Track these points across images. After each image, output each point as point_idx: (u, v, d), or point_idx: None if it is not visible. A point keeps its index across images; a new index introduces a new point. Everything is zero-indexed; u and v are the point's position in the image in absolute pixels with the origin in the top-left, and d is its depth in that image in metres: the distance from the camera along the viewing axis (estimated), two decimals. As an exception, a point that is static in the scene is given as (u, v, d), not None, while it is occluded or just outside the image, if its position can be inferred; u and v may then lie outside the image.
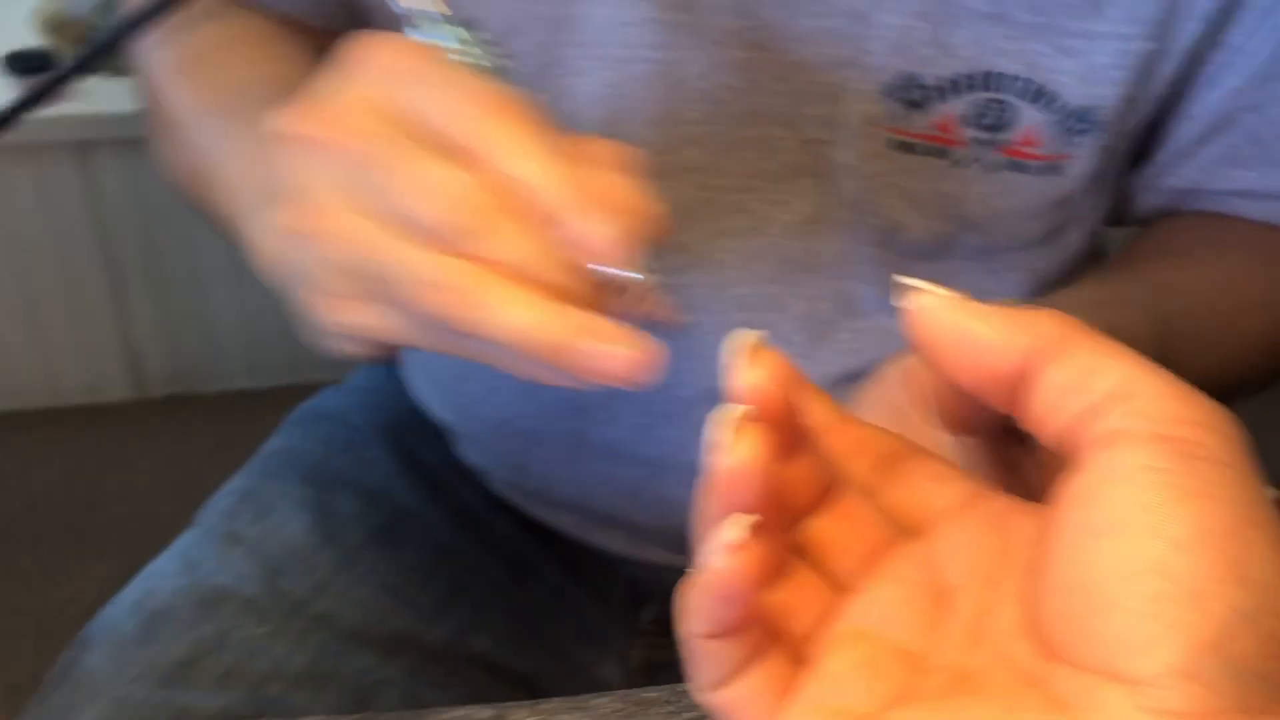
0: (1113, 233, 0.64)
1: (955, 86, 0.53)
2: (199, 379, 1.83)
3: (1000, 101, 0.53)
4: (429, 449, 0.72)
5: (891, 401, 0.48)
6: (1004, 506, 0.29)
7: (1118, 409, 0.25)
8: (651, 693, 0.47)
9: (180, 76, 0.58)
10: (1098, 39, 0.51)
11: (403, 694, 0.61)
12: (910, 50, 0.52)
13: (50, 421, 1.77)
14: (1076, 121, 0.53)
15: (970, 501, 0.30)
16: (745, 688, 0.28)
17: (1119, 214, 0.63)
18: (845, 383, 0.60)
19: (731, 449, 0.27)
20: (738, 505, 0.27)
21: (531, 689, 0.66)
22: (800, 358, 0.59)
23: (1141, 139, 0.59)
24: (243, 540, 0.65)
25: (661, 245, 0.37)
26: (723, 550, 0.26)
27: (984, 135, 0.54)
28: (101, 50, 0.47)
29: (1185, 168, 0.58)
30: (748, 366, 0.28)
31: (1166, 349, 0.49)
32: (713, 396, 0.28)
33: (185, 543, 0.66)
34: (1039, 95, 0.53)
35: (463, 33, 0.39)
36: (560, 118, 0.55)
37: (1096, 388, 0.25)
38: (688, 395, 0.54)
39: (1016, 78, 0.52)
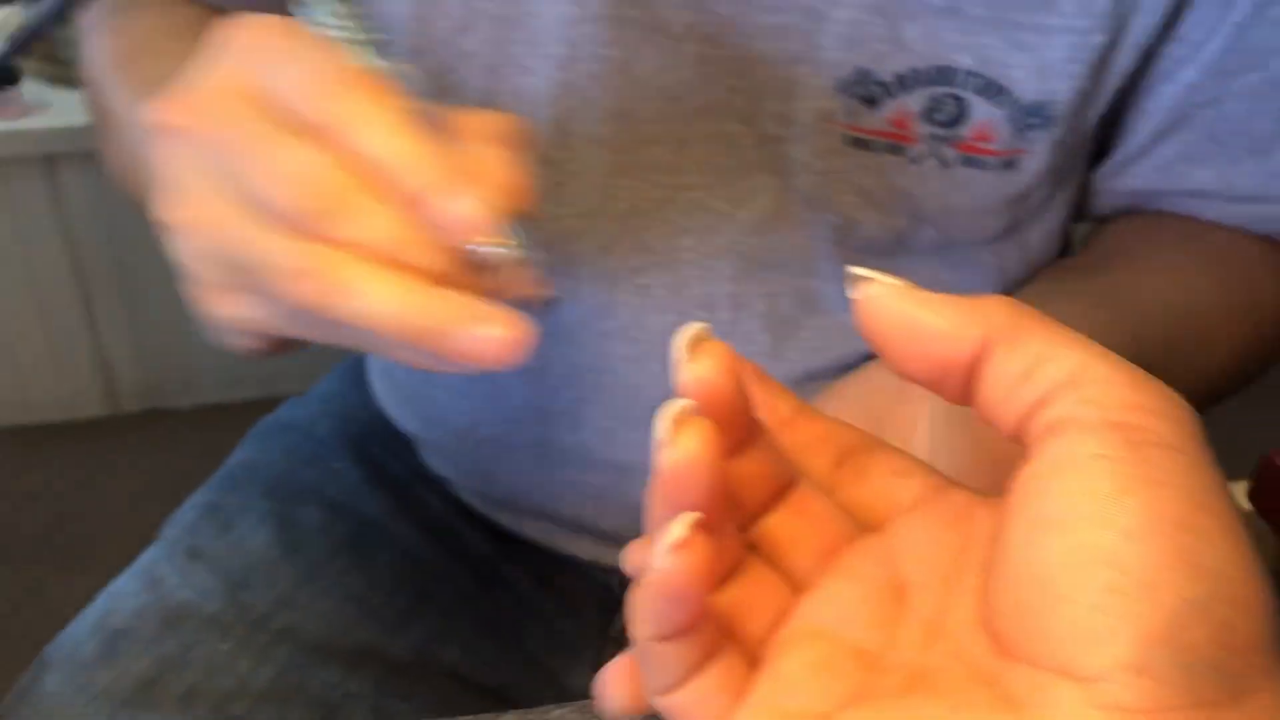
0: (1080, 229, 0.64)
1: (909, 81, 0.52)
2: (173, 393, 1.82)
3: (954, 97, 0.52)
4: (395, 458, 0.71)
5: (866, 399, 0.48)
6: (965, 500, 0.29)
7: (1068, 396, 0.24)
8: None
9: (115, 72, 0.56)
10: (1050, 33, 0.51)
11: (370, 708, 0.61)
12: (863, 45, 0.51)
13: (24, 439, 1.76)
14: (1030, 116, 0.53)
15: (930, 496, 0.29)
16: (698, 690, 0.27)
17: (1080, 212, 0.63)
18: (811, 380, 0.59)
19: (675, 445, 0.26)
20: (684, 503, 0.26)
21: (501, 699, 0.65)
22: (765, 356, 0.58)
23: (1100, 136, 0.58)
24: (205, 555, 0.64)
25: (530, 219, 0.36)
26: (667, 550, 0.25)
27: (939, 131, 0.53)
28: (32, 35, 0.46)
29: (1142, 166, 0.58)
30: (691, 360, 0.27)
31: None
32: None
33: (147, 559, 0.65)
34: (992, 90, 0.52)
35: (337, 6, 0.38)
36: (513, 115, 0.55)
37: (1048, 375, 0.25)
38: (652, 398, 0.52)
39: (970, 72, 0.52)
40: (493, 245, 0.35)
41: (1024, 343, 0.25)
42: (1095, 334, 0.26)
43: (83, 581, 0.65)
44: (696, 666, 0.27)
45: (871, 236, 0.57)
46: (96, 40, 0.58)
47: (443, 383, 0.66)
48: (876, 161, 0.54)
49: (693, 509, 0.26)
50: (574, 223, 0.57)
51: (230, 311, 0.38)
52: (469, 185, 0.34)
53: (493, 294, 0.35)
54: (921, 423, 0.44)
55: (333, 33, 0.38)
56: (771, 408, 0.31)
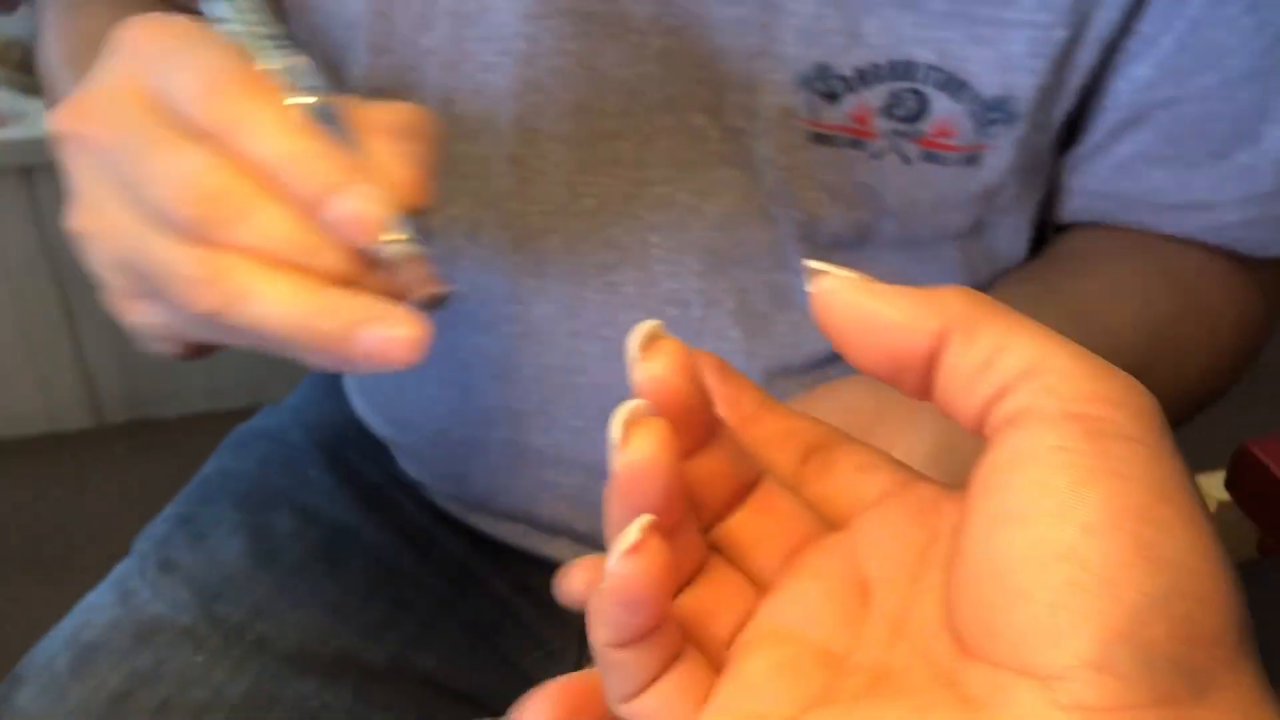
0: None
1: (868, 76, 0.51)
2: (158, 404, 1.81)
3: (914, 92, 0.52)
4: (369, 464, 0.71)
5: (840, 417, 0.47)
6: (932, 493, 0.28)
7: (1027, 387, 0.24)
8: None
9: (64, 70, 0.55)
10: (1011, 27, 0.50)
11: (347, 716, 0.60)
12: (821, 38, 0.51)
13: (8, 452, 1.74)
14: (991, 112, 0.52)
15: (896, 490, 0.29)
16: (659, 696, 0.26)
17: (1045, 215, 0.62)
18: (786, 374, 0.59)
19: (628, 447, 0.25)
20: (641, 506, 0.25)
21: (479, 705, 0.65)
22: (737, 352, 0.58)
23: (1066, 134, 0.57)
24: (178, 567, 0.63)
25: (427, 215, 0.36)
26: (622, 555, 0.25)
27: (899, 127, 0.53)
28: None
29: (1099, 164, 0.56)
30: (643, 358, 0.27)
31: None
32: None
33: (120, 572, 0.65)
34: (953, 85, 0.51)
35: (236, 1, 0.37)
36: (475, 114, 0.55)
37: (1006, 366, 0.24)
38: (625, 397, 0.52)
39: (930, 67, 0.51)
40: (388, 243, 0.34)
41: (981, 333, 0.25)
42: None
43: (71, 593, 0.64)
44: (658, 672, 0.26)
45: (837, 231, 0.56)
46: (50, 38, 0.57)
47: (413, 385, 0.65)
48: (839, 156, 0.54)
49: (649, 512, 0.25)
50: (540, 220, 0.57)
51: (142, 318, 0.38)
52: (362, 183, 0.34)
53: (391, 293, 0.35)
54: (899, 446, 0.44)
55: (231, 28, 0.37)
56: (735, 402, 0.30)
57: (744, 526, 0.29)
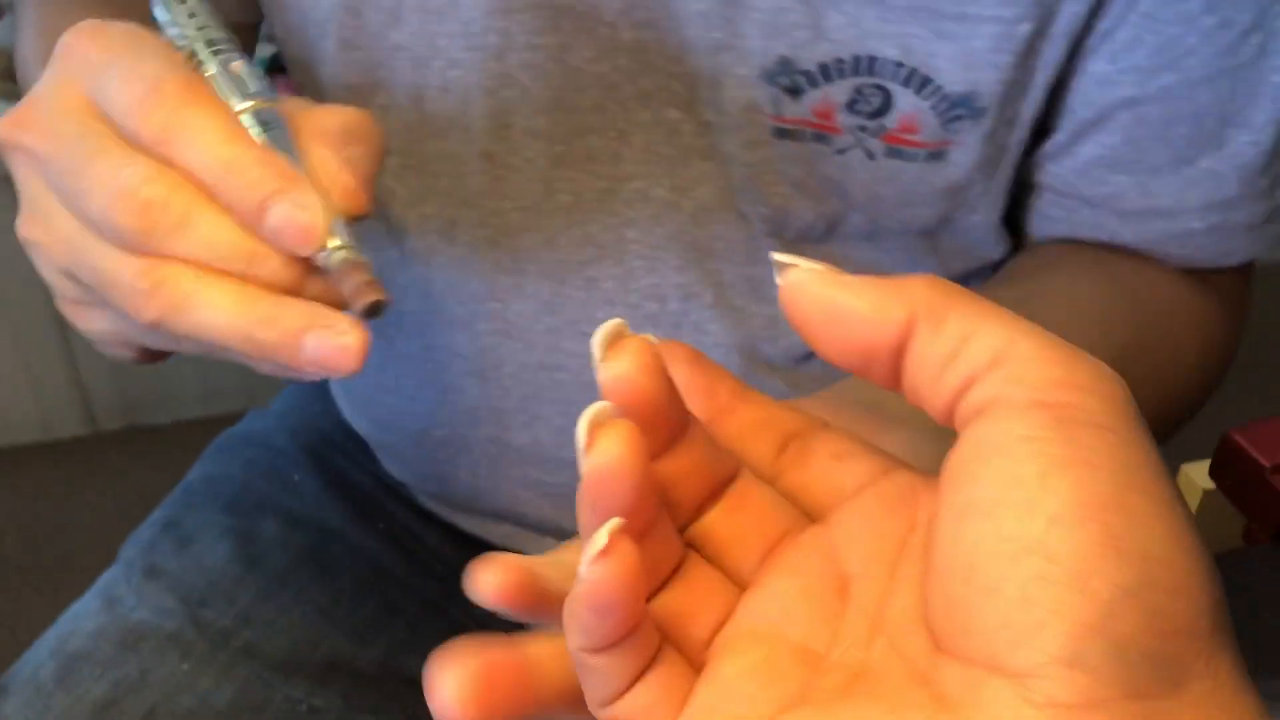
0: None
1: (831, 71, 0.51)
2: (151, 410, 1.80)
3: (878, 87, 0.51)
4: (355, 467, 0.71)
5: (853, 396, 0.46)
6: (909, 482, 0.27)
7: (995, 376, 0.23)
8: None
9: (38, 70, 0.55)
10: (975, 22, 0.49)
11: (337, 721, 0.60)
12: (784, 32, 0.50)
13: (2, 460, 1.74)
14: (955, 107, 0.51)
15: (873, 480, 0.28)
16: (638, 701, 0.26)
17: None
18: (766, 367, 0.59)
19: (595, 450, 0.25)
20: (611, 509, 0.25)
21: (471, 707, 0.64)
22: (717, 346, 0.58)
23: (1038, 132, 0.56)
24: (163, 574, 0.63)
25: (366, 222, 0.37)
26: (591, 561, 0.24)
27: (863, 123, 0.52)
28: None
29: (1065, 166, 0.55)
30: (607, 358, 0.26)
31: None
32: None
33: (106, 580, 0.65)
34: (917, 81, 0.51)
35: (179, 6, 0.38)
36: (445, 111, 0.54)
37: (973, 355, 0.24)
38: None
39: (893, 62, 0.50)
40: (326, 250, 0.34)
41: (948, 321, 0.24)
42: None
43: (66, 601, 0.64)
44: (636, 675, 0.26)
45: (805, 225, 0.56)
46: (26, 37, 0.57)
47: (394, 385, 0.65)
48: (803, 152, 0.53)
49: (620, 515, 0.24)
50: (517, 217, 0.56)
51: (92, 325, 0.38)
52: (300, 191, 0.34)
53: (332, 300, 0.35)
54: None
55: (173, 33, 0.37)
56: (709, 393, 0.30)
57: (721, 524, 0.28)
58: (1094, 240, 0.56)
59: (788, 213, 0.55)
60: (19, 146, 0.37)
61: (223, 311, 0.34)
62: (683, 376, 0.29)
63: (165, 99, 0.35)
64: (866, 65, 0.50)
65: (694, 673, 0.27)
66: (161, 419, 1.80)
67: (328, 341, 0.34)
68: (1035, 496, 0.22)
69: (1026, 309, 0.24)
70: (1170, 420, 0.57)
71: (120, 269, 0.34)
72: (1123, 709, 0.21)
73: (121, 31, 0.37)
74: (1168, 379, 0.55)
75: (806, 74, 0.51)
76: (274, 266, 0.35)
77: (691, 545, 0.29)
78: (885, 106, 0.51)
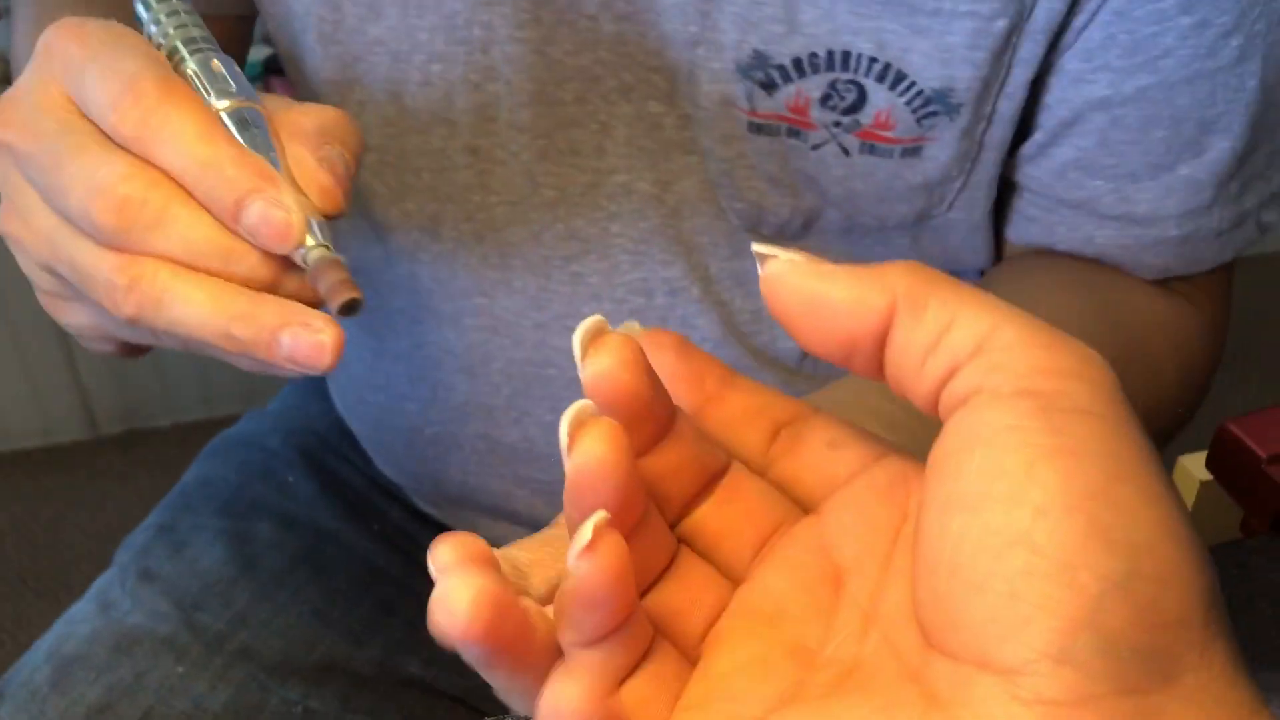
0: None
1: (805, 66, 0.50)
2: (152, 413, 1.80)
3: (852, 83, 0.50)
4: (351, 468, 0.70)
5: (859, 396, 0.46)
6: (900, 469, 0.27)
7: (977, 364, 0.23)
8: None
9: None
10: (950, 17, 0.48)
11: (333, 723, 0.59)
12: (758, 26, 0.50)
13: (3, 466, 1.74)
14: (930, 104, 0.50)
15: (865, 468, 0.28)
16: (633, 695, 0.26)
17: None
18: (755, 361, 0.58)
19: (577, 450, 0.24)
20: (596, 508, 0.24)
21: (469, 707, 0.64)
22: (705, 340, 0.57)
23: (1020, 131, 0.55)
24: (158, 577, 0.63)
25: (351, 220, 0.37)
26: (577, 556, 0.24)
27: (838, 118, 0.51)
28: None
29: (1039, 168, 0.54)
30: (588, 355, 0.26)
31: None
32: None
33: (101, 584, 0.64)
34: (891, 76, 0.50)
35: (158, 4, 0.38)
36: (426, 106, 0.54)
37: (956, 343, 0.23)
38: None
39: (867, 57, 0.50)
40: (302, 248, 0.35)
41: (929, 308, 0.24)
42: None
43: (67, 606, 0.64)
44: (629, 669, 0.26)
45: (783, 220, 0.55)
46: (21, 33, 0.57)
47: (384, 383, 0.65)
48: (778, 147, 0.53)
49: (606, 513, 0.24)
50: (502, 211, 0.56)
51: (72, 319, 0.39)
52: (275, 190, 0.35)
53: (308, 298, 0.35)
54: None
55: (152, 31, 0.38)
56: (697, 381, 0.29)
57: (712, 518, 0.28)
58: (1069, 248, 0.55)
59: (763, 208, 0.54)
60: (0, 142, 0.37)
61: (199, 307, 0.34)
62: (669, 365, 0.29)
63: (143, 97, 0.35)
64: (840, 60, 0.50)
65: (689, 667, 0.27)
66: (162, 423, 1.80)
67: (304, 339, 0.34)
68: (1020, 488, 0.21)
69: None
70: (1152, 435, 0.55)
71: (98, 264, 0.35)
72: (1113, 705, 0.20)
73: (101, 29, 0.37)
74: (1148, 394, 0.54)
75: (780, 68, 0.50)
76: (251, 264, 0.35)
77: (683, 540, 0.28)
78: (859, 102, 0.51)
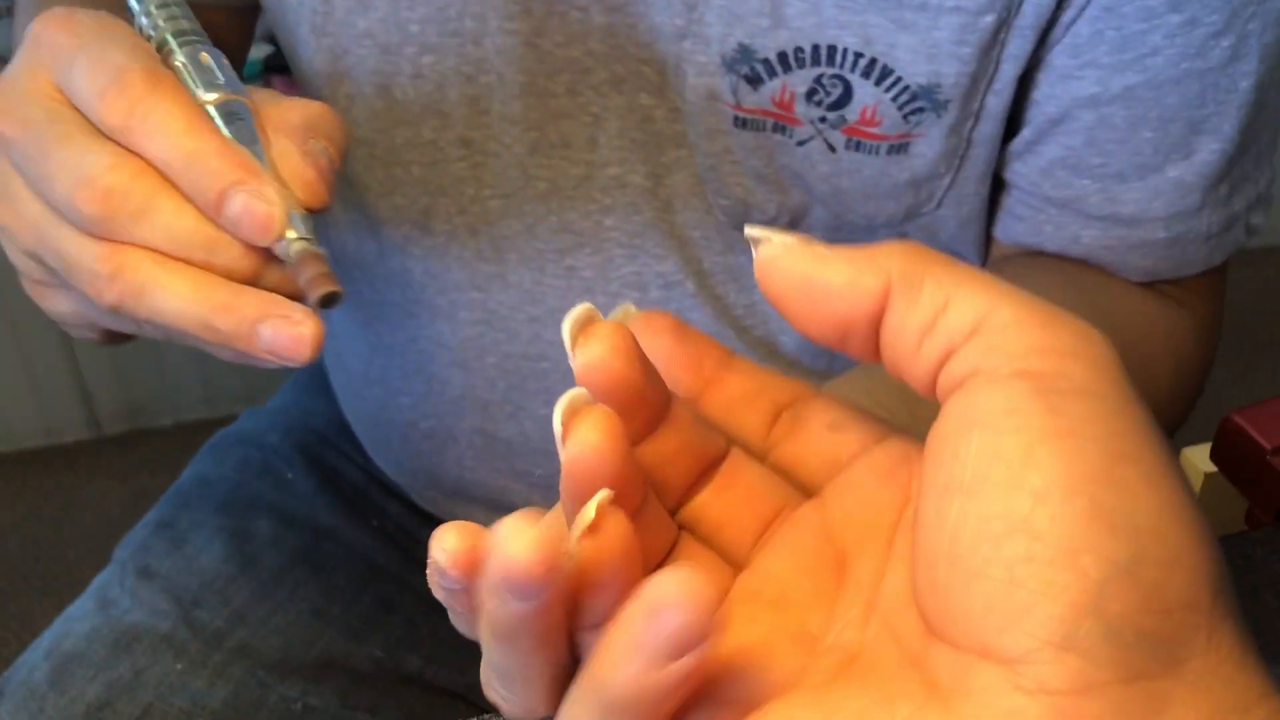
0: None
1: (791, 60, 0.50)
2: (154, 413, 1.80)
3: (838, 78, 0.50)
4: (350, 465, 0.70)
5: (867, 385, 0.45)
6: (902, 450, 0.26)
7: (974, 345, 0.22)
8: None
9: None
10: (937, 12, 0.48)
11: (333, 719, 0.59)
12: (744, 20, 0.49)
13: (5, 466, 1.74)
14: (916, 99, 0.50)
15: (866, 450, 0.27)
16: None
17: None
18: (753, 354, 0.58)
19: (571, 440, 0.24)
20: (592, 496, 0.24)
21: (469, 703, 0.64)
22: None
23: (1010, 128, 0.54)
24: (157, 575, 0.63)
25: (343, 214, 0.37)
26: (579, 538, 0.23)
27: (823, 114, 0.51)
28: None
29: (1027, 165, 0.53)
30: (579, 344, 0.25)
31: None
32: None
33: (100, 582, 0.65)
34: (877, 72, 0.49)
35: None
36: (416, 98, 0.54)
37: (952, 323, 0.23)
38: None
39: (853, 52, 0.49)
40: (284, 241, 0.35)
41: (924, 289, 0.23)
42: None
43: (69, 605, 0.64)
44: None
45: (769, 216, 0.55)
46: (21, 24, 0.57)
47: (380, 377, 0.64)
48: (764, 142, 0.52)
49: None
50: (495, 204, 0.56)
51: (57, 306, 0.40)
52: (258, 183, 0.35)
53: (289, 291, 0.36)
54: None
55: (142, 23, 0.38)
56: (695, 364, 0.29)
57: (712, 504, 0.28)
58: (1056, 248, 0.55)
59: (750, 205, 0.54)
60: None
61: (181, 298, 0.35)
62: (666, 348, 0.28)
63: (129, 88, 0.35)
64: (826, 55, 0.49)
65: None
66: (164, 422, 1.80)
67: (283, 331, 0.34)
68: (1019, 472, 0.21)
69: None
70: None
71: (82, 253, 0.35)
72: (1119, 693, 0.20)
73: (91, 20, 0.37)
74: (1142, 396, 0.53)
75: (765, 62, 0.50)
76: (233, 255, 0.35)
77: (684, 527, 0.28)
78: (845, 98, 0.50)
